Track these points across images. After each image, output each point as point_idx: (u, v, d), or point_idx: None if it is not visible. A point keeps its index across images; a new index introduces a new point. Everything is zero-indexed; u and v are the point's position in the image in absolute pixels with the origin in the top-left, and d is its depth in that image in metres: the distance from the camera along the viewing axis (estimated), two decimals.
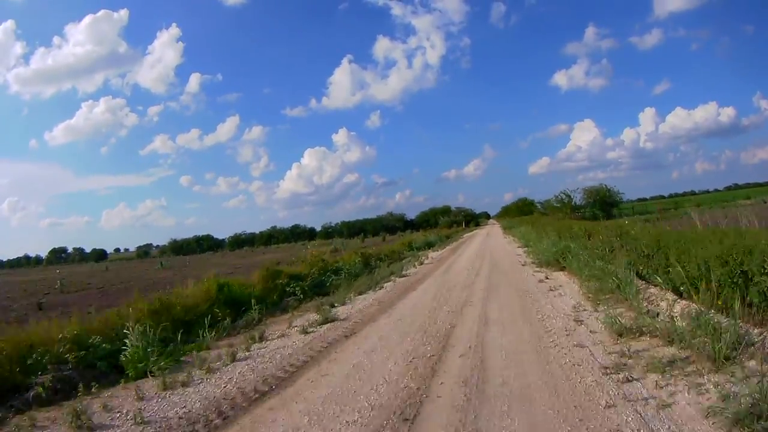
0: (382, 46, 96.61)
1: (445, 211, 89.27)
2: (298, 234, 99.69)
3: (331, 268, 14.42)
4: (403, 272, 15.26)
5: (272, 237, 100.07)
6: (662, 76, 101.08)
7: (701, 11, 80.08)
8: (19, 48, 77.83)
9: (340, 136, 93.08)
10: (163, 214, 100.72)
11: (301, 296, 11.15)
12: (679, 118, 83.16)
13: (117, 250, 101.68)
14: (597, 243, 10.58)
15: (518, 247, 20.62)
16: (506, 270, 13.53)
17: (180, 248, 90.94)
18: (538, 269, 12.64)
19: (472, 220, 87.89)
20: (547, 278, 10.81)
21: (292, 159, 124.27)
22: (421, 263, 18.47)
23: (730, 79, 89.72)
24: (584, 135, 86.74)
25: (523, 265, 14.06)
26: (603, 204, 40.58)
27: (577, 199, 40.79)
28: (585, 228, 15.02)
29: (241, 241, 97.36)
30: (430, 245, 27.67)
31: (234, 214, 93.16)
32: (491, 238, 31.73)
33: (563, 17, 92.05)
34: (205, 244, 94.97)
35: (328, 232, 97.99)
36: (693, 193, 78.50)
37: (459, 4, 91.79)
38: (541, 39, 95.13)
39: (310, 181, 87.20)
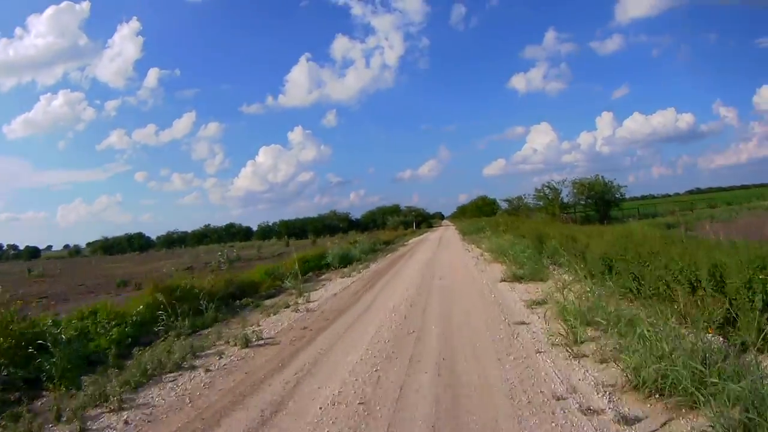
0: (340, 45, 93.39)
1: (395, 210, 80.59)
2: (234, 233, 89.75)
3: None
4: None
5: (205, 236, 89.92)
6: (621, 81, 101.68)
7: (663, 18, 79.67)
8: None
9: (296, 135, 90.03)
10: (119, 210, 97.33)
11: None
12: (637, 123, 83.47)
13: (49, 247, 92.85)
14: None
15: (502, 278, 10.92)
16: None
17: (111, 247, 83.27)
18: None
19: (424, 221, 79.55)
20: None
21: (248, 156, 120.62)
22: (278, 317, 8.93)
23: (689, 86, 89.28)
24: (540, 138, 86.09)
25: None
26: (599, 202, 32.11)
27: (564, 194, 32.03)
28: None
29: (172, 240, 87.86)
30: (345, 261, 17.96)
31: (190, 211, 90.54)
32: (445, 250, 22.57)
33: (524, 20, 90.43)
34: (136, 243, 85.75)
35: (265, 232, 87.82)
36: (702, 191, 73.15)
37: (419, 5, 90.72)
38: (501, 42, 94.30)
39: (264, 179, 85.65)
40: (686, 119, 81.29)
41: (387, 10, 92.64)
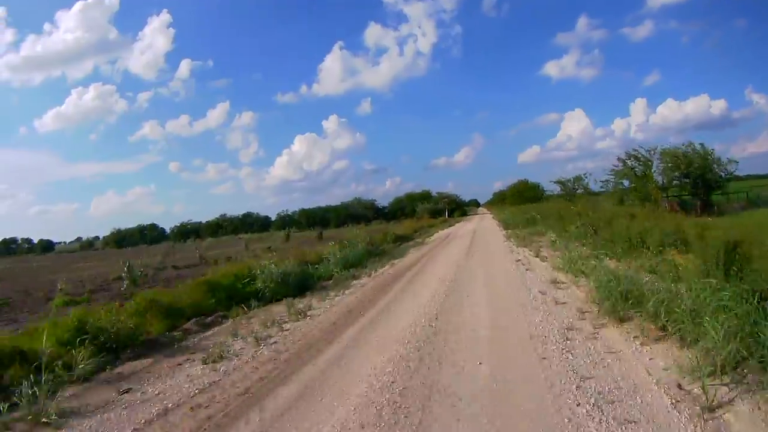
0: (373, 33, 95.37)
1: (425, 197, 71.31)
2: (250, 223, 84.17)
3: None
4: None
5: (220, 227, 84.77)
6: (653, 68, 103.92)
7: (693, 4, 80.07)
8: (9, 35, 78.12)
9: (331, 123, 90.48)
10: (151, 200, 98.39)
11: None
12: (670, 110, 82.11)
13: (79, 239, 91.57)
14: None
15: None
16: None
17: (123, 239, 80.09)
18: None
19: (457, 208, 69.96)
20: None
21: (283, 145, 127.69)
22: None
23: (721, 72, 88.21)
24: (574, 124, 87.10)
25: None
26: (698, 182, 22.09)
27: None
28: None
29: (186, 231, 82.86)
30: (348, 266, 10.18)
31: (225, 200, 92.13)
32: (482, 258, 13.98)
33: (555, 7, 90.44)
34: (148, 235, 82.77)
35: (284, 221, 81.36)
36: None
37: None
38: (533, 29, 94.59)
39: (300, 168, 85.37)
40: (719, 105, 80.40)
41: None
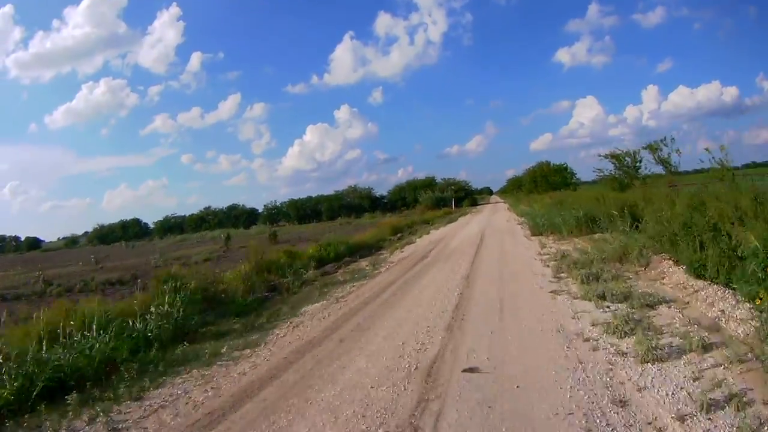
0: (383, 22, 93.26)
1: (428, 184, 61.43)
2: (236, 216, 75.84)
3: None
4: None
5: (204, 221, 77.04)
6: (665, 55, 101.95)
7: None
8: (17, 33, 78.33)
9: (343, 113, 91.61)
10: (165, 193, 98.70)
11: None
12: (682, 97, 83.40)
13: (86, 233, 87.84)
14: None
15: None
16: None
17: (106, 236, 74.97)
18: None
19: (466, 196, 59.93)
20: None
21: (294, 136, 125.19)
22: None
23: (733, 59, 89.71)
24: (586, 112, 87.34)
25: None
26: None
27: None
28: None
29: (170, 226, 77.08)
30: None
31: (236, 191, 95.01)
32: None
33: None
34: (131, 231, 76.81)
35: (272, 214, 72.84)
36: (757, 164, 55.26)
37: None
38: (544, 15, 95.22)
39: (312, 158, 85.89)
40: (731, 92, 79.95)
41: None
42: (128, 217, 78.78)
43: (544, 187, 32.56)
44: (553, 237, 13.69)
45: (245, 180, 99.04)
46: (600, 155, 20.28)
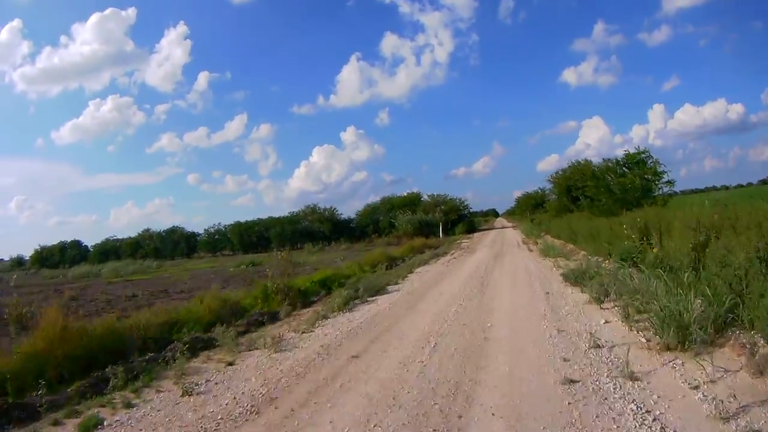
0: (390, 43, 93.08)
1: (412, 201, 46.01)
2: (176, 241, 61.22)
3: None
4: None
5: (139, 245, 62.64)
6: (671, 73, 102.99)
7: (709, 7, 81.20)
8: (25, 47, 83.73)
9: (349, 134, 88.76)
10: (171, 212, 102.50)
11: None
12: (688, 115, 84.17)
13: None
14: None
15: None
16: None
17: (46, 258, 64.99)
18: None
19: (461, 220, 44.40)
20: None
21: (301, 157, 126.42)
22: None
23: (738, 75, 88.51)
24: (593, 132, 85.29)
25: None
26: None
27: None
28: None
29: (107, 250, 64.63)
30: None
31: (242, 212, 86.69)
32: None
33: (572, 13, 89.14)
34: (69, 254, 65.66)
35: (215, 240, 58.05)
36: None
37: (467, 0, 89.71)
38: (550, 35, 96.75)
39: (318, 180, 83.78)
40: (736, 110, 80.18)
41: (435, 8, 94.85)
42: (133, 233, 68.99)
43: (605, 202, 16.68)
44: None
45: (252, 200, 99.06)
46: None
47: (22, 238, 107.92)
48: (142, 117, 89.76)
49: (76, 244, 68.62)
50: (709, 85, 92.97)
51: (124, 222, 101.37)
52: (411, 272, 14.60)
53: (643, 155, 16.93)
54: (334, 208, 51.79)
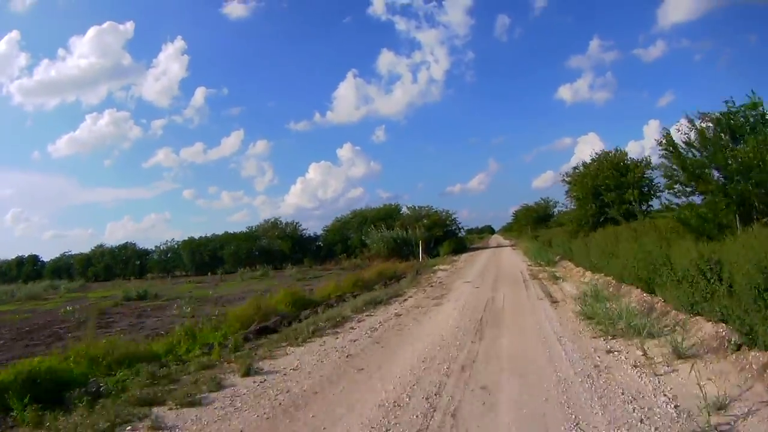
0: (386, 60, 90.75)
1: (387, 214, 37.56)
2: (126, 259, 54.13)
3: None
4: None
5: (90, 262, 55.27)
6: (666, 88, 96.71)
7: (704, 22, 76.35)
8: (23, 59, 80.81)
9: (345, 151, 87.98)
10: (167, 227, 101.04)
11: None
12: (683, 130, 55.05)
13: None
14: None
15: None
16: None
17: (5, 273, 58.99)
18: None
19: (448, 237, 35.83)
20: None
21: (297, 173, 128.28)
22: None
23: (732, 89, 46.45)
24: (588, 148, 61.66)
25: None
26: None
27: None
28: None
29: (59, 267, 57.83)
30: None
31: (239, 227, 75.21)
32: None
33: (567, 30, 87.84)
34: (25, 270, 58.99)
35: (167, 259, 50.00)
36: None
37: (463, 18, 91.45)
38: (546, 52, 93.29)
39: (314, 196, 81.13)
40: None
41: (431, 25, 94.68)
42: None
43: (709, 203, 8.25)
44: None
45: (248, 216, 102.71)
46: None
47: (18, 251, 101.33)
48: (139, 131, 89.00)
49: (35, 259, 61.40)
50: (704, 99, 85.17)
51: (120, 236, 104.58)
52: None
53: None
54: (298, 224, 43.45)
